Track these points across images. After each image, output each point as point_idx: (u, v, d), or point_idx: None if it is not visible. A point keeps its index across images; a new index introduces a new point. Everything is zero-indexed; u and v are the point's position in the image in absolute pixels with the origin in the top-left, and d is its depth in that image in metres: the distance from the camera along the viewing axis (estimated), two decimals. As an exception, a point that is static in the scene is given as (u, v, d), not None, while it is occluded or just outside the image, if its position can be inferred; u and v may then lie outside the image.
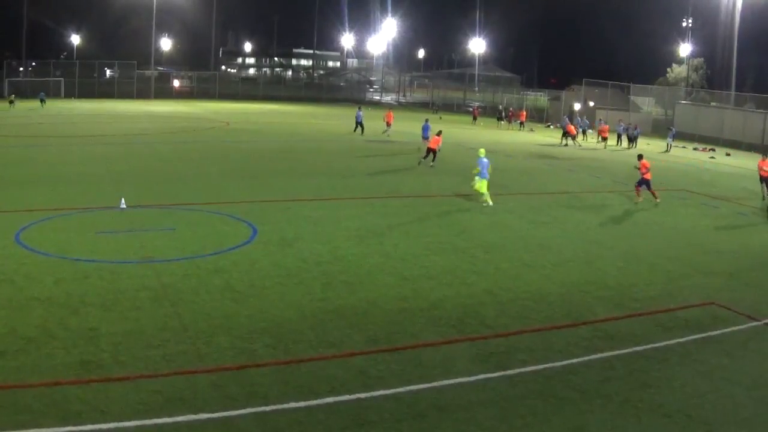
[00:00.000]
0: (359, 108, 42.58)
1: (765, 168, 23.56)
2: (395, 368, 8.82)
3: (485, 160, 19.86)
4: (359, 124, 38.78)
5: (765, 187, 23.64)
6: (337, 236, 15.29)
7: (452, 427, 7.50)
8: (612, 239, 16.68)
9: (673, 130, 43.04)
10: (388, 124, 38.51)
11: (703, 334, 10.61)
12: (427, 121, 31.99)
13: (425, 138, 29.37)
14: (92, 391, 7.78)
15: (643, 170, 21.26)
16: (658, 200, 21.47)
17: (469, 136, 42.40)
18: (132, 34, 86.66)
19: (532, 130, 51.76)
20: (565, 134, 41.37)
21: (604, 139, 41.17)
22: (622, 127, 43.04)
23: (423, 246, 14.89)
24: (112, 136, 33.21)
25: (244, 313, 10.38)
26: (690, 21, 70.64)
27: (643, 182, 21.35)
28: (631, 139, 41.64)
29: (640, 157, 21.93)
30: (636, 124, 44.13)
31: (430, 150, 26.76)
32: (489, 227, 17.06)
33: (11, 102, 51.15)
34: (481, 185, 19.63)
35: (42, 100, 53.24)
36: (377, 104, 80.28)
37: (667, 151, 39.91)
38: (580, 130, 46.48)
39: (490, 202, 19.52)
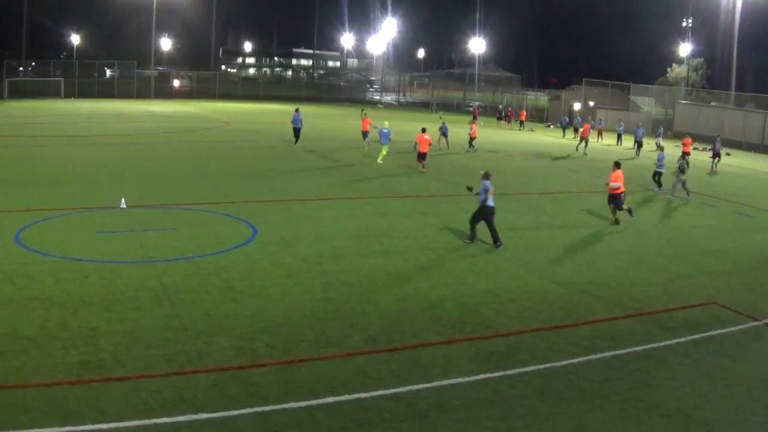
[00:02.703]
0: (297, 110, 32.69)
1: (613, 185, 17.87)
2: (395, 368, 8.82)
3: (386, 130, 26.74)
4: (296, 130, 31.62)
5: (613, 208, 18.16)
6: (337, 236, 15.29)
7: (452, 427, 7.50)
8: (612, 239, 16.68)
9: (719, 140, 34.20)
10: (365, 132, 31.62)
11: (703, 334, 10.61)
12: (441, 118, 37.77)
13: (444, 135, 33.58)
14: (92, 391, 7.78)
15: (418, 141, 25.28)
16: (423, 170, 25.11)
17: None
18: (132, 34, 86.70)
19: (532, 129, 51.79)
20: (582, 139, 36.63)
21: (687, 153, 30.08)
22: (622, 128, 42.95)
23: (423, 246, 14.89)
24: (112, 136, 33.19)
25: (244, 313, 10.38)
26: (690, 21, 70.60)
27: (421, 155, 25.22)
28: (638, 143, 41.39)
29: (423, 130, 25.58)
30: (640, 125, 43.97)
31: (471, 138, 33.55)
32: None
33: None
34: (383, 148, 26.89)
35: None
36: (377, 104, 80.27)
37: (715, 162, 32.92)
38: (582, 130, 46.50)
39: (381, 161, 26.57)
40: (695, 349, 10.07)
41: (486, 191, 14.70)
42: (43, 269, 11.95)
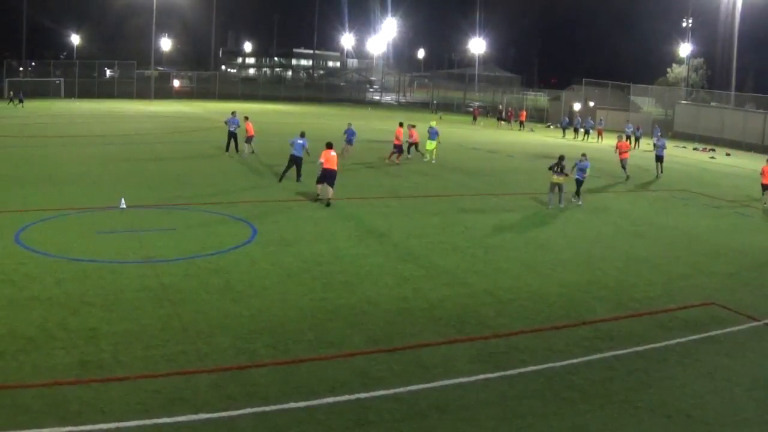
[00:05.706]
0: (233, 113, 28.50)
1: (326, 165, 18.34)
2: (395, 368, 8.82)
3: (435, 129, 28.31)
4: (232, 135, 27.51)
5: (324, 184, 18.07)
6: (337, 236, 15.29)
7: (452, 427, 7.50)
8: (612, 239, 16.68)
9: None
10: (250, 137, 27.47)
11: (703, 334, 10.61)
12: (350, 125, 28.84)
13: (348, 142, 27.93)
14: (92, 391, 7.77)
15: (396, 141, 27.63)
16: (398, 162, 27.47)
17: (469, 136, 42.40)
18: (132, 34, 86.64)
19: (532, 130, 51.80)
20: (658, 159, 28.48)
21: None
22: (630, 129, 42.70)
23: (423, 246, 14.89)
24: (112, 136, 33.19)
25: (244, 313, 10.38)
26: (690, 21, 70.58)
27: (399, 147, 27.60)
28: (636, 140, 41.42)
29: (401, 124, 28.30)
30: (639, 126, 43.96)
31: (411, 144, 29.56)
32: (489, 227, 17.05)
33: (11, 100, 50.95)
34: (430, 145, 28.31)
35: (19, 100, 51.35)
36: (377, 104, 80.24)
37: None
38: (582, 130, 46.55)
39: (433, 160, 28.13)
40: (695, 349, 10.07)
41: (298, 144, 21.05)
42: (43, 269, 11.95)
